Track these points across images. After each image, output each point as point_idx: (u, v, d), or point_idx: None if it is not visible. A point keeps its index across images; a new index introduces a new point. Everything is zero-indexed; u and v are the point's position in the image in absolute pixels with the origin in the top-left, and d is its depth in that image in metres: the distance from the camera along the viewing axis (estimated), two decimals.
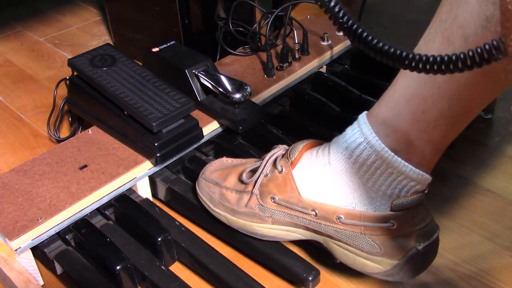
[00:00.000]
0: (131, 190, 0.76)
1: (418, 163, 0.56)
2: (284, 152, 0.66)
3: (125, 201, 0.74)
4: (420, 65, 0.32)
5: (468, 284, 0.68)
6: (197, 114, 0.82)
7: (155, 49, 0.89)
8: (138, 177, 0.76)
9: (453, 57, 0.31)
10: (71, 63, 0.84)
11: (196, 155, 0.81)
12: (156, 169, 0.78)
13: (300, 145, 0.64)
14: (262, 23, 1.00)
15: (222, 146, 0.82)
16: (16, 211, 0.68)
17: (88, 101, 0.83)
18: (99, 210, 0.73)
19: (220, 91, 0.82)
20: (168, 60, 0.86)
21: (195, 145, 0.81)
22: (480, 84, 0.50)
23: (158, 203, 0.78)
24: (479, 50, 0.30)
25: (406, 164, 0.55)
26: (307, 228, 0.64)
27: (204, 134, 0.81)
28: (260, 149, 0.82)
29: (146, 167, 0.76)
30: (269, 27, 0.96)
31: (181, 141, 0.77)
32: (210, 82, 0.83)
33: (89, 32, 1.36)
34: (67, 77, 0.88)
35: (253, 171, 0.67)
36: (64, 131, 0.97)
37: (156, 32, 1.13)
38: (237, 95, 0.81)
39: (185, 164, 0.79)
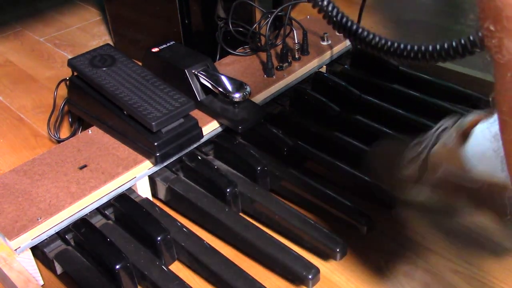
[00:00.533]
0: (130, 190, 0.76)
1: None
2: (452, 124, 0.63)
3: (125, 201, 0.74)
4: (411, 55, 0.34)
5: (468, 284, 0.68)
6: (196, 113, 0.82)
7: (155, 49, 0.89)
8: (138, 176, 0.76)
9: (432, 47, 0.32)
10: (71, 63, 0.84)
11: (196, 155, 0.81)
12: (156, 168, 0.78)
13: (470, 117, 0.61)
14: (262, 23, 1.00)
15: (222, 146, 0.82)
16: (16, 211, 0.68)
17: (88, 101, 0.83)
18: (99, 210, 0.73)
19: (220, 91, 0.82)
20: (168, 60, 0.86)
21: (195, 145, 0.81)
22: None
23: (158, 203, 0.78)
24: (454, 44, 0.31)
25: None
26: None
27: (203, 134, 0.81)
28: (260, 149, 0.82)
29: (146, 166, 0.76)
30: (269, 27, 0.96)
31: (181, 140, 0.77)
32: (210, 82, 0.83)
33: (89, 32, 1.36)
34: (67, 78, 0.89)
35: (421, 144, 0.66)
36: (64, 131, 0.97)
37: (156, 32, 1.13)
38: (237, 95, 0.81)
39: (185, 163, 0.79)
